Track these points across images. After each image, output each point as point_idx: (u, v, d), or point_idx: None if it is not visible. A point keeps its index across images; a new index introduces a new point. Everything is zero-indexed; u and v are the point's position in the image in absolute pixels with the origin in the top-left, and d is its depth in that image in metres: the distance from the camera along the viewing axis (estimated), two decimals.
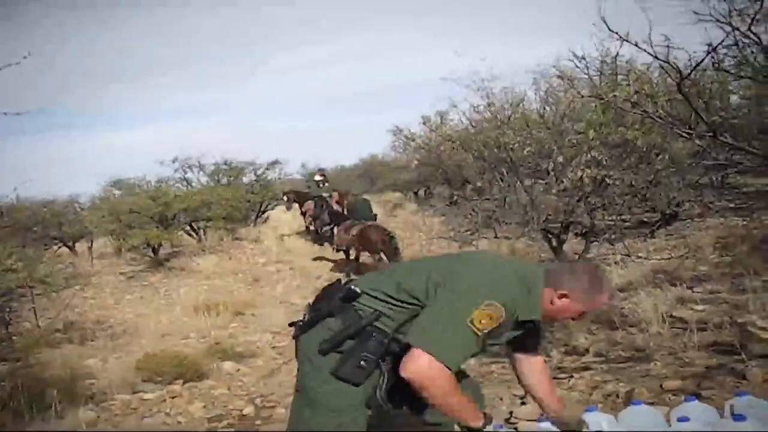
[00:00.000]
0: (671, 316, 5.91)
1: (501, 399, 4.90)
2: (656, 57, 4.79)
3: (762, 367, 4.51)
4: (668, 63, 4.88)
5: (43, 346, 8.72)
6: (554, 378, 5.17)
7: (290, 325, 2.84)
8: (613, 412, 4.12)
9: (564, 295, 2.78)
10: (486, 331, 2.54)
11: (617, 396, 4.51)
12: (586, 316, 2.90)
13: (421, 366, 2.50)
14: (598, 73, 9.07)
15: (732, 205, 12.38)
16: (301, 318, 2.80)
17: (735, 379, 4.47)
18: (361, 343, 2.62)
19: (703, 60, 4.81)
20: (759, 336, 4.87)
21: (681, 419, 3.24)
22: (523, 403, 4.68)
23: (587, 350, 5.71)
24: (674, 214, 11.22)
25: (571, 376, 5.12)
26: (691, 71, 4.85)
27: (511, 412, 4.54)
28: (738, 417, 3.22)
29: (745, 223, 10.76)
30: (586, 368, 5.27)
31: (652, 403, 4.10)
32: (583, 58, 8.63)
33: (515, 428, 4.11)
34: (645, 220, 11.37)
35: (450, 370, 2.51)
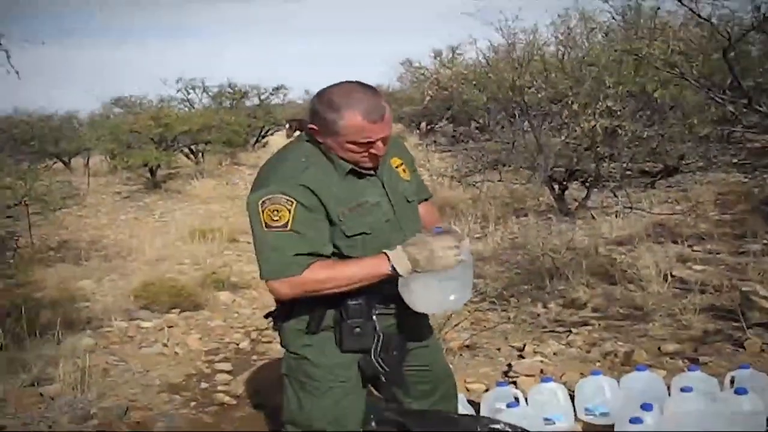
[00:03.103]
0: (671, 275, 5.90)
1: (499, 350, 4.92)
2: (707, 20, 4.66)
3: (760, 336, 4.52)
4: (713, 25, 4.75)
5: (36, 265, 8.72)
6: (552, 332, 5.21)
7: (266, 316, 2.68)
8: (611, 372, 4.17)
9: (314, 130, 2.46)
10: (285, 223, 2.34)
11: (615, 356, 4.51)
12: (377, 147, 2.41)
13: (275, 294, 2.44)
14: (621, 18, 8.92)
15: (735, 161, 12.32)
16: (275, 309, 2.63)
17: (732, 347, 4.49)
18: (341, 312, 2.48)
19: (753, 28, 4.68)
20: (759, 304, 4.85)
21: (684, 389, 3.25)
22: (521, 357, 4.69)
23: (585, 304, 5.71)
24: (676, 167, 11.17)
25: (570, 331, 5.12)
26: (740, 38, 4.74)
27: (509, 365, 4.54)
28: (740, 390, 3.23)
29: (746, 180, 10.73)
30: (585, 323, 5.27)
31: (650, 365, 4.13)
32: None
33: (515, 383, 4.10)
34: (646, 169, 11.31)
35: (293, 276, 2.35)
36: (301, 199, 2.36)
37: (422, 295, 2.42)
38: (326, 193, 2.40)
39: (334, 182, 2.43)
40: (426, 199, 2.83)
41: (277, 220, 2.35)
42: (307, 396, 2.55)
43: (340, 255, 2.45)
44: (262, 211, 2.36)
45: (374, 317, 2.49)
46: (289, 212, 2.35)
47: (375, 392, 2.73)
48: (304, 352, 2.54)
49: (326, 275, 2.38)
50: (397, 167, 2.63)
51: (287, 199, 2.35)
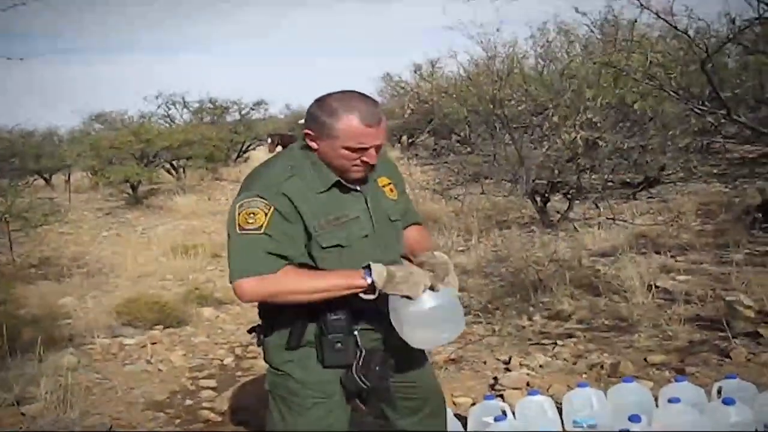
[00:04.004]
0: (655, 286, 5.91)
1: (485, 363, 4.90)
2: (684, 32, 4.72)
3: (746, 346, 4.54)
4: (690, 38, 4.81)
5: (17, 282, 8.63)
6: (538, 344, 5.20)
7: (250, 331, 2.67)
8: (597, 384, 4.17)
9: (309, 135, 2.45)
10: (259, 226, 2.33)
11: (602, 367, 4.51)
12: (369, 154, 2.41)
13: (240, 294, 2.39)
14: (599, 31, 9.00)
15: (715, 171, 12.44)
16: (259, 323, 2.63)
17: (718, 357, 4.50)
18: (321, 326, 2.47)
19: (729, 41, 4.74)
20: (744, 314, 4.88)
21: (672, 400, 3.25)
22: (507, 370, 4.68)
23: (570, 316, 5.70)
24: (657, 178, 11.24)
25: (555, 343, 5.11)
26: (717, 50, 4.79)
27: (496, 378, 4.54)
28: (728, 400, 3.24)
29: (726, 190, 10.81)
30: (570, 335, 5.27)
31: (636, 377, 4.13)
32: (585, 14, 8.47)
33: (501, 396, 4.10)
34: (627, 181, 11.39)
35: (255, 276, 2.34)
36: (280, 206, 2.37)
37: (413, 331, 2.41)
38: (305, 204, 2.40)
39: (315, 193, 2.43)
40: (417, 224, 2.82)
41: (252, 223, 2.35)
42: (291, 412, 2.54)
43: (314, 267, 2.44)
44: (239, 215, 2.37)
45: (356, 333, 2.48)
46: (265, 216, 2.36)
47: (363, 408, 2.71)
48: (286, 368, 2.53)
49: (294, 278, 2.37)
50: (384, 186, 2.63)
51: (265, 204, 2.36)
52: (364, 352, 2.48)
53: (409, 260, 2.58)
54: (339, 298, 2.39)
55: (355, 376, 2.47)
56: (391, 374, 2.56)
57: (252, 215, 2.36)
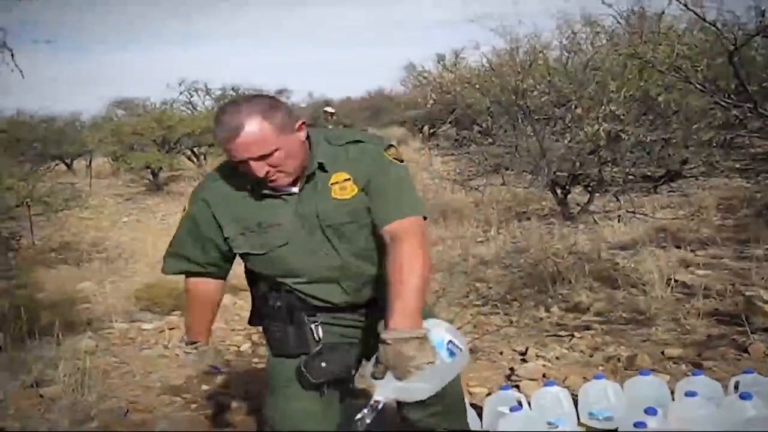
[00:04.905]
0: (674, 279, 5.87)
1: (501, 353, 4.89)
2: (713, 24, 4.67)
3: (764, 341, 4.49)
4: (718, 30, 4.76)
5: (37, 266, 8.71)
6: (555, 335, 5.18)
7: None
8: (614, 376, 4.15)
9: None
10: (180, 222, 2.48)
11: (618, 360, 4.49)
12: (251, 167, 2.16)
13: None
14: (625, 22, 8.92)
15: (737, 166, 12.30)
16: None
17: (736, 352, 4.45)
18: (269, 314, 2.46)
19: (757, 33, 4.69)
20: (763, 309, 4.84)
21: (688, 394, 3.23)
22: (524, 361, 4.67)
23: (588, 308, 5.68)
24: (678, 172, 11.15)
25: (572, 335, 5.09)
26: (745, 42, 4.75)
27: (512, 369, 4.52)
28: (745, 395, 3.20)
29: (748, 185, 10.70)
30: (587, 328, 5.24)
31: (653, 370, 4.10)
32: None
33: (517, 387, 4.09)
34: (648, 174, 11.29)
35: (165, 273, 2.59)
36: (195, 210, 2.41)
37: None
38: (224, 210, 2.35)
39: (238, 199, 2.34)
40: (394, 226, 2.25)
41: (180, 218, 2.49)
42: (269, 393, 2.59)
43: (247, 269, 2.50)
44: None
45: (313, 326, 2.43)
46: (182, 216, 2.47)
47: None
48: (268, 349, 2.58)
49: (188, 301, 2.67)
50: (333, 183, 2.30)
51: (186, 206, 2.46)
52: (321, 346, 2.41)
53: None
54: (279, 288, 2.42)
55: (302, 368, 2.38)
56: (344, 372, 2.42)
57: (184, 210, 2.48)
